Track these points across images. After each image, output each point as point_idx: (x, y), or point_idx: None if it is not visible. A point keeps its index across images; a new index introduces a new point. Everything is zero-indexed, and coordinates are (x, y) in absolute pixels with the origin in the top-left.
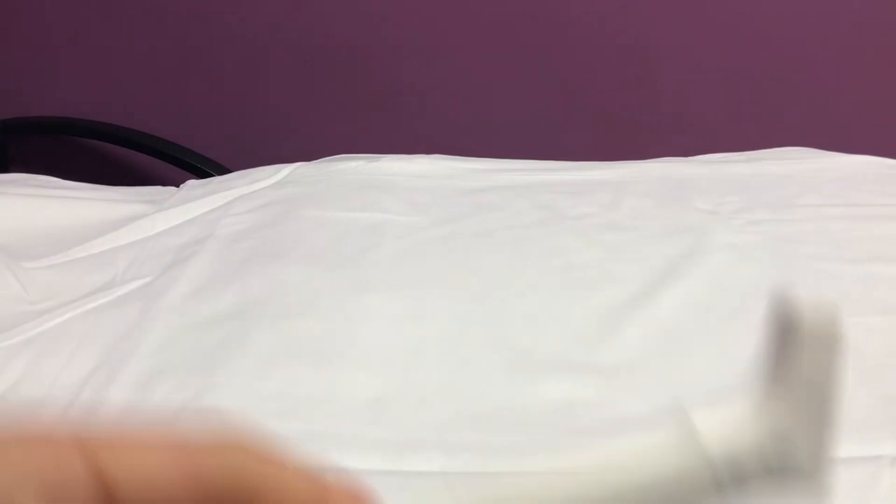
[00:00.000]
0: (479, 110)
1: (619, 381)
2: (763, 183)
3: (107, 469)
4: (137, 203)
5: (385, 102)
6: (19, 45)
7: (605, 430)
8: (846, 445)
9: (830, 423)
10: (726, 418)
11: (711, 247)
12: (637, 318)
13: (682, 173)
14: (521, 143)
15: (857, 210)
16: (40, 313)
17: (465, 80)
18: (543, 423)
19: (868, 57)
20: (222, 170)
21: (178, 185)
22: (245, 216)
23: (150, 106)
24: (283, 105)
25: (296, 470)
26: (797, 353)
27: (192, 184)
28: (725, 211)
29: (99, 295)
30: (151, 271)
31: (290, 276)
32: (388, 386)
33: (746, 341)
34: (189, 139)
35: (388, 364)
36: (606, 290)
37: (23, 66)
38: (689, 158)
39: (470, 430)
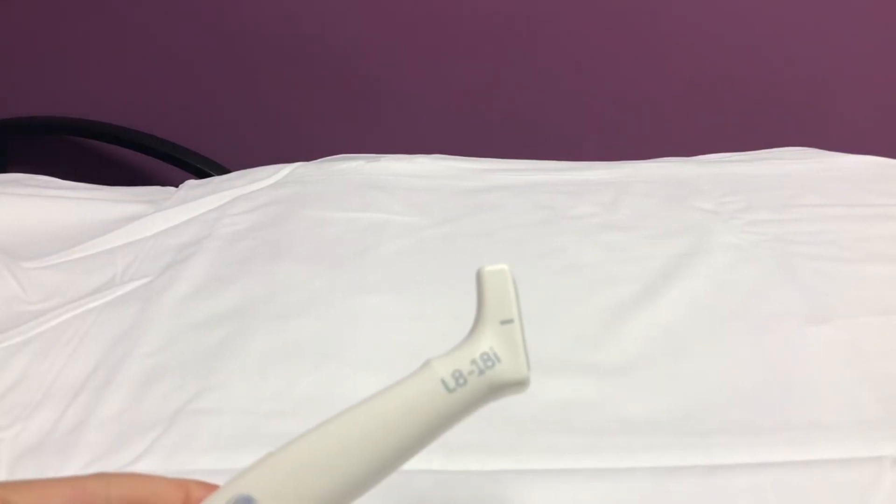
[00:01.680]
0: (479, 110)
1: (619, 381)
2: (764, 183)
3: (12, 499)
4: (136, 203)
5: (385, 102)
6: (18, 44)
7: (605, 431)
8: (847, 446)
9: (521, 335)
10: (452, 352)
11: (712, 247)
12: (637, 318)
13: (683, 173)
14: (521, 143)
15: (859, 210)
16: (39, 313)
17: (466, 79)
18: (543, 424)
19: (869, 56)
20: (221, 170)
21: (176, 185)
22: (244, 216)
23: (148, 106)
24: (283, 105)
25: (160, 478)
26: (484, 293)
27: (191, 184)
28: (726, 211)
29: (98, 295)
30: (151, 271)
31: (289, 276)
32: None
33: (747, 341)
34: (188, 139)
35: (388, 364)
36: (607, 290)
37: (21, 65)
38: (690, 158)
39: (469, 428)
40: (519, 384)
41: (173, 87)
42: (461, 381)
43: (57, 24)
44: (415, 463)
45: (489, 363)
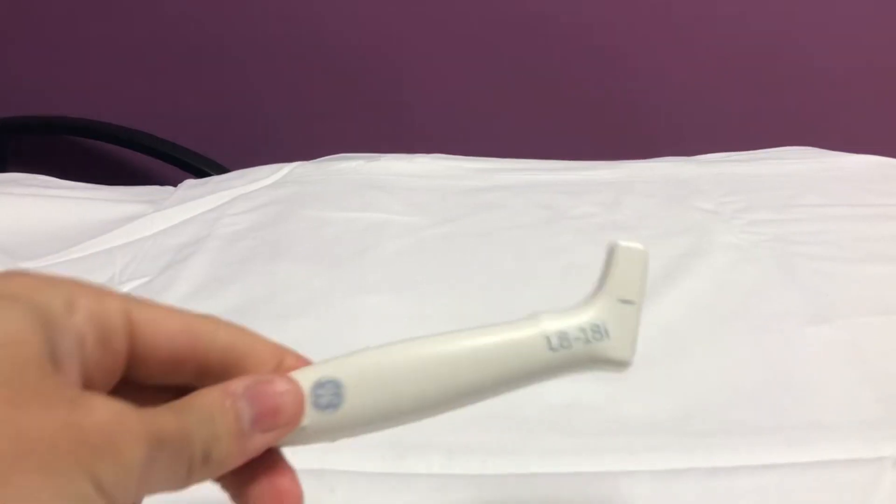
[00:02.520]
0: (479, 110)
1: (620, 381)
2: (765, 183)
3: (134, 312)
4: (135, 203)
5: (385, 102)
6: (17, 44)
7: (605, 432)
8: (848, 446)
9: (637, 319)
10: (563, 314)
11: (712, 247)
12: None
13: (684, 173)
14: (522, 142)
15: (860, 210)
16: None
17: (465, 79)
18: (544, 425)
19: (871, 55)
20: (220, 169)
21: (175, 185)
22: (244, 216)
23: (147, 105)
24: (283, 104)
25: (262, 338)
26: (613, 267)
27: (190, 183)
28: (727, 211)
29: None
30: (149, 271)
31: (289, 276)
32: None
33: (748, 341)
34: (187, 138)
35: None
36: None
37: (20, 65)
38: (691, 158)
39: (470, 431)
40: (620, 365)
41: (172, 87)
42: (566, 343)
43: (55, 24)
44: (415, 465)
45: (597, 336)
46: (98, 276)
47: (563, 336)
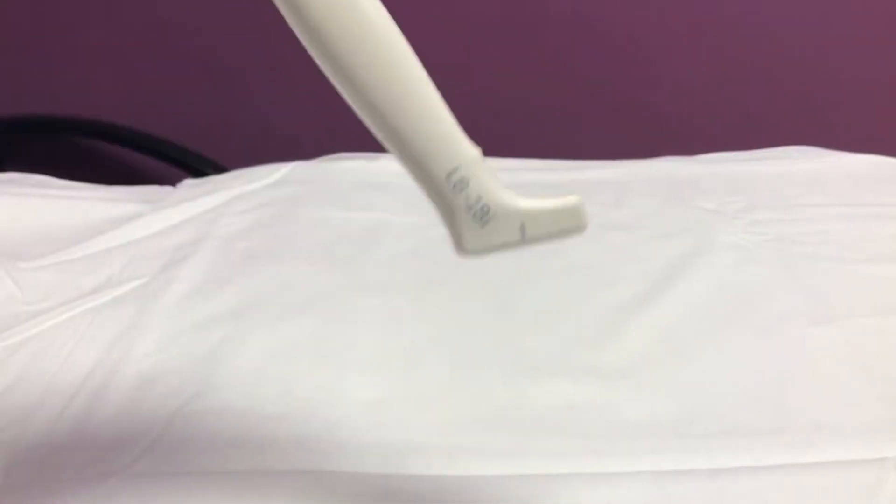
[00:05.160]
0: (478, 109)
1: (621, 382)
2: (767, 182)
3: None
4: (134, 203)
5: None
6: (17, 44)
7: (606, 434)
8: (850, 448)
9: (506, 245)
10: (493, 179)
11: (714, 247)
12: (640, 318)
13: (685, 172)
14: (522, 142)
15: (862, 210)
16: (36, 314)
17: (465, 78)
18: (544, 426)
19: (873, 55)
20: (219, 169)
21: (174, 185)
22: (243, 216)
23: (147, 105)
24: (282, 104)
25: None
26: (552, 206)
27: (189, 183)
28: (729, 210)
29: (95, 295)
30: (148, 272)
31: (288, 277)
32: (388, 387)
33: (749, 342)
34: (186, 138)
35: (388, 365)
36: (608, 290)
37: (18, 64)
38: (693, 157)
39: (470, 432)
40: (456, 244)
41: (172, 87)
42: (459, 187)
43: (53, 23)
44: (415, 467)
45: (479, 214)
46: (96, 277)
47: (463, 183)
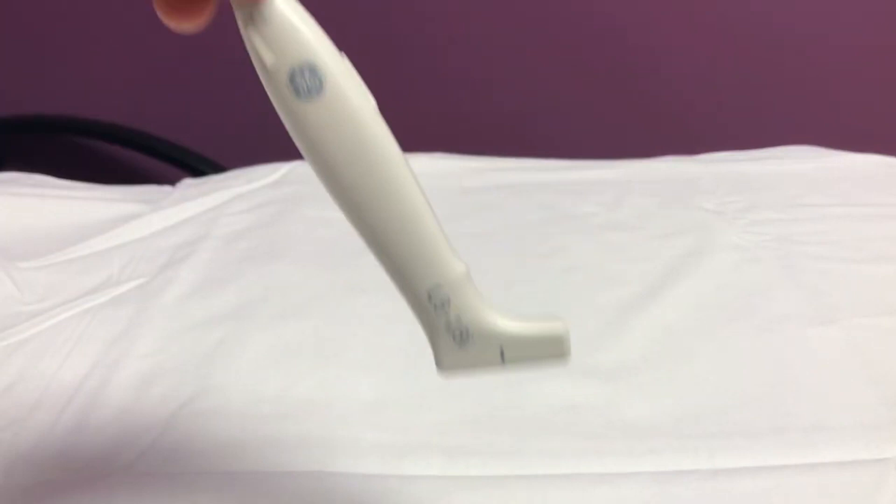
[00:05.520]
0: (477, 109)
1: (621, 382)
2: (768, 182)
3: None
4: (133, 202)
5: (384, 101)
6: (15, 43)
7: (606, 434)
8: (851, 448)
9: (483, 367)
10: (480, 299)
11: (715, 247)
12: (640, 318)
13: (686, 172)
14: (523, 142)
15: (863, 210)
16: (35, 314)
17: (466, 77)
18: (544, 427)
19: (874, 54)
20: (219, 168)
21: (173, 184)
22: (242, 216)
23: (146, 104)
24: None
25: None
26: (534, 334)
27: (189, 183)
28: (730, 210)
29: (94, 295)
30: (147, 271)
31: (287, 277)
32: (387, 388)
33: (750, 342)
34: (185, 138)
35: (387, 365)
36: (609, 290)
37: (17, 63)
38: (693, 157)
39: (470, 432)
40: (437, 362)
41: (170, 85)
42: (439, 307)
43: (52, 22)
44: (415, 467)
45: (458, 336)
46: (95, 277)
47: (444, 301)
